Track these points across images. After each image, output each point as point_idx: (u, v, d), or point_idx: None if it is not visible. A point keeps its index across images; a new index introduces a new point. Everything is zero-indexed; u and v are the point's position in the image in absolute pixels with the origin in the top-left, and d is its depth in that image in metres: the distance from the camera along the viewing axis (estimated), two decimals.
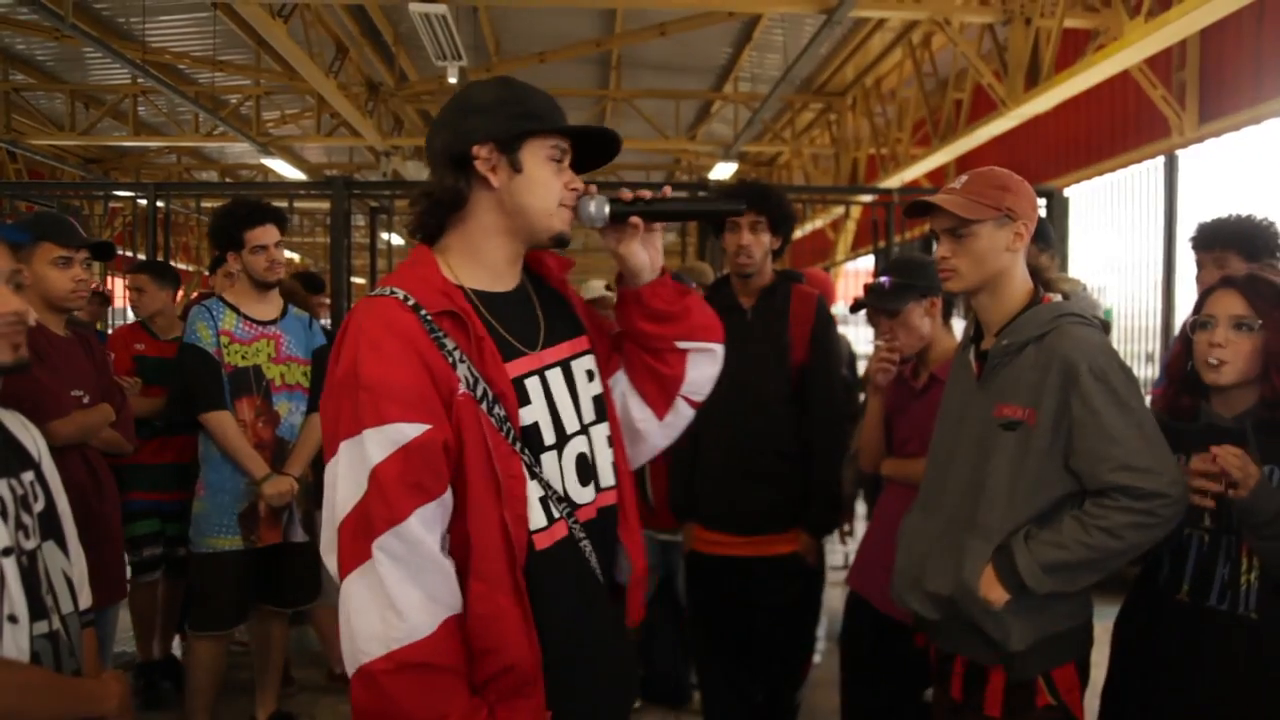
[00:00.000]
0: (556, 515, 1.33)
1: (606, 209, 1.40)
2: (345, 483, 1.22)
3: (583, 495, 1.39)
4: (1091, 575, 1.70)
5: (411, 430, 1.20)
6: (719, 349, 1.56)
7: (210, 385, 2.88)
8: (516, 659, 1.24)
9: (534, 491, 1.30)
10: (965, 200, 1.77)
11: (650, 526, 3.53)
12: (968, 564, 1.74)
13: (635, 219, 1.42)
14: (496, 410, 1.28)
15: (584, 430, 1.41)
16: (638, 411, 1.53)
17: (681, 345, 1.51)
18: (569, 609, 1.33)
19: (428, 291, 1.29)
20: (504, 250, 1.38)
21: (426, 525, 1.21)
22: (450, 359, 1.25)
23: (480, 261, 1.37)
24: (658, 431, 1.56)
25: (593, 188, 1.40)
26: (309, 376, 3.06)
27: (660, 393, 1.52)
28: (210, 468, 2.94)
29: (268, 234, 2.95)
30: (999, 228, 1.76)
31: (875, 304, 2.48)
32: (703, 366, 1.54)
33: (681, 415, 1.57)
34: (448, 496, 1.24)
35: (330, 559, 1.24)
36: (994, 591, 1.70)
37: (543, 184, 1.34)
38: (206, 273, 4.12)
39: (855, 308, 2.60)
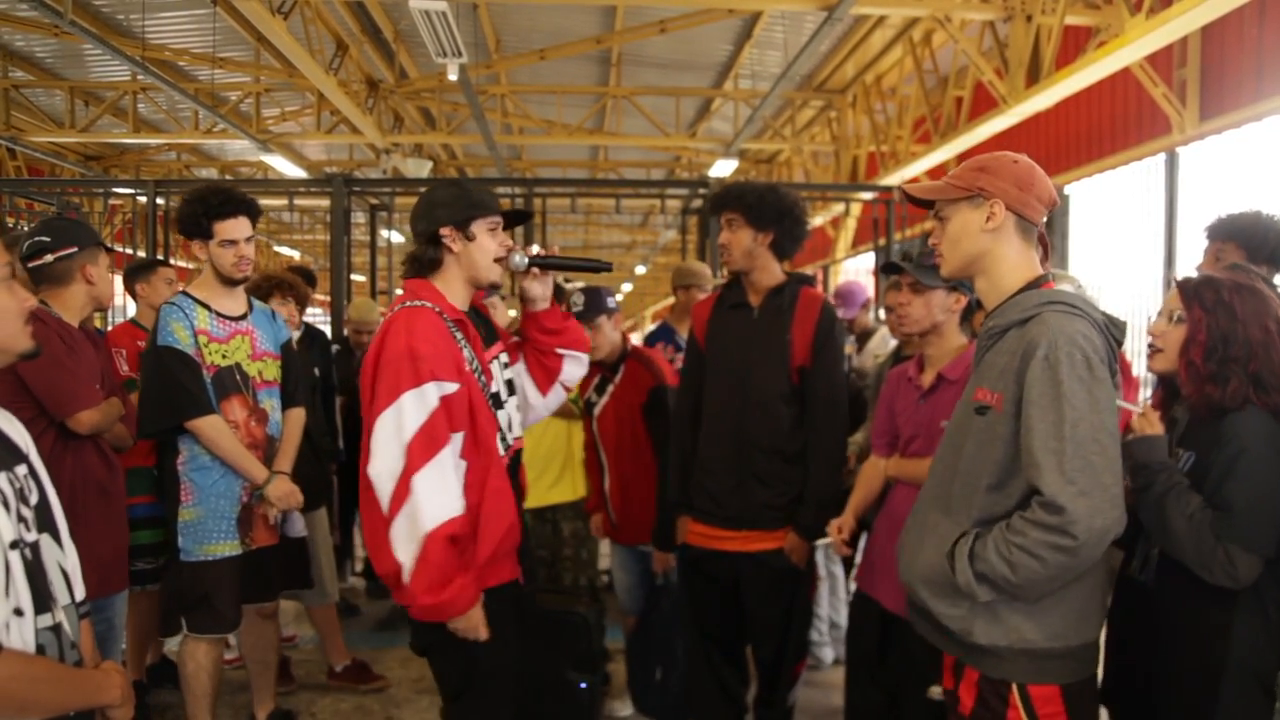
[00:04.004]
0: (504, 450, 2.11)
1: (525, 260, 2.17)
2: (412, 413, 1.90)
3: (510, 439, 2.16)
4: (1035, 590, 1.59)
5: (450, 386, 1.96)
6: (585, 357, 2.38)
7: (195, 389, 2.72)
8: (513, 520, 2.07)
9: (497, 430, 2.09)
10: (941, 183, 1.77)
11: (617, 540, 3.46)
12: (930, 547, 1.69)
13: (535, 268, 2.20)
14: (480, 379, 2.06)
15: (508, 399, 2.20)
16: (530, 391, 2.33)
17: (560, 351, 2.31)
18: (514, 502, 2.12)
19: (443, 306, 2.06)
20: (463, 289, 2.14)
21: (454, 447, 1.97)
22: (460, 345, 2.03)
23: (452, 294, 2.11)
24: (541, 405, 2.36)
25: (517, 246, 2.17)
26: (281, 371, 2.98)
27: (546, 380, 2.33)
28: (199, 473, 2.78)
29: (239, 227, 2.78)
30: (973, 208, 1.72)
31: (911, 272, 2.41)
32: (573, 367, 2.35)
33: (557, 396, 2.36)
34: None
35: (386, 466, 1.89)
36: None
37: (484, 247, 2.09)
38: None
39: (888, 269, 2.54)
